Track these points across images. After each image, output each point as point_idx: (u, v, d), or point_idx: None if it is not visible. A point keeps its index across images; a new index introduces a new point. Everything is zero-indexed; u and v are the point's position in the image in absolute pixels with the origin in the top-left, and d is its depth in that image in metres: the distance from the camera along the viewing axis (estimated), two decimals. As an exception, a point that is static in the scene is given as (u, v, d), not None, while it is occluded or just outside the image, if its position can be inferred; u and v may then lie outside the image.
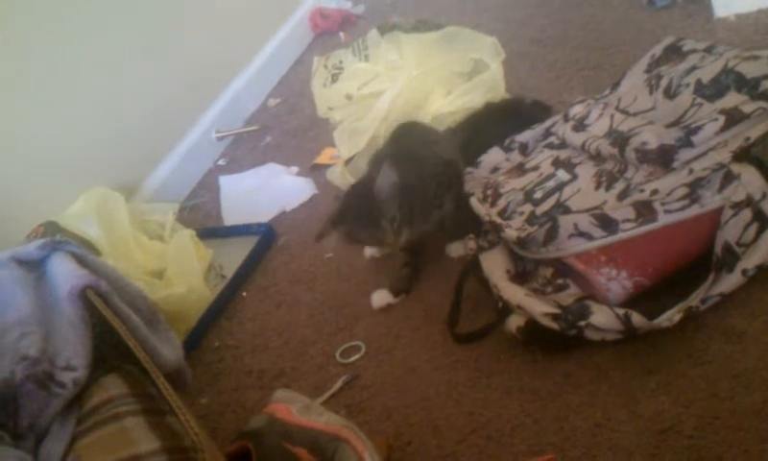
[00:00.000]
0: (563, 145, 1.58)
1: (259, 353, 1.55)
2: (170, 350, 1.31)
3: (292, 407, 1.24)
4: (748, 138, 1.29)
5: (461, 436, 1.22)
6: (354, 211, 1.50)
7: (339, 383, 1.39)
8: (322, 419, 1.19)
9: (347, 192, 1.60)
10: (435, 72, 2.03)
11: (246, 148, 2.36)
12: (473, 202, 1.51)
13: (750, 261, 1.22)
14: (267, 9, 2.77)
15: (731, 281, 1.22)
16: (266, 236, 1.85)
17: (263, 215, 1.95)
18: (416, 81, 2.01)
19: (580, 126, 1.58)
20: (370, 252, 1.67)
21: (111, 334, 1.12)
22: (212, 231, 1.95)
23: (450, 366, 1.35)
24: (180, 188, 2.21)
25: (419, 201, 1.50)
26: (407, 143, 1.62)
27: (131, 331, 1.15)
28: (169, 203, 1.97)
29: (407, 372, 1.38)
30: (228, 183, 2.19)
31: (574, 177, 1.46)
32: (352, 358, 1.44)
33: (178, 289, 1.63)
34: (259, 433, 1.21)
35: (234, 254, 1.81)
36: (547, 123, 1.68)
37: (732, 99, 1.38)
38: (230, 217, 2.05)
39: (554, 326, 1.24)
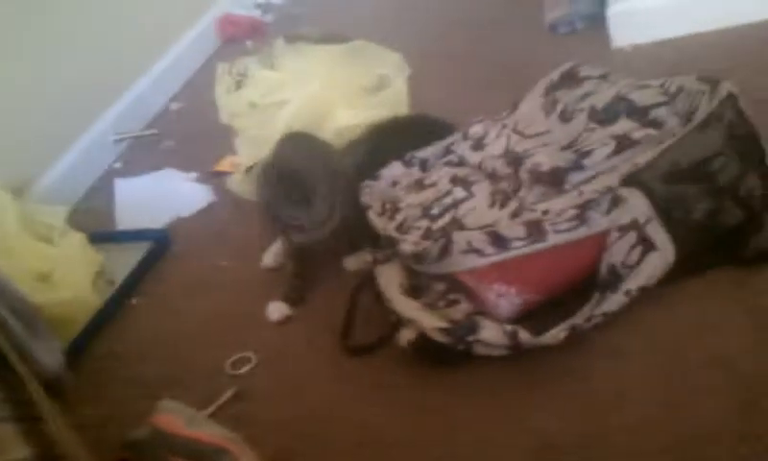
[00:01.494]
0: (461, 163, 1.61)
1: (146, 363, 1.50)
2: (50, 356, 1.27)
3: (177, 418, 1.21)
4: (636, 164, 1.34)
5: (348, 449, 1.22)
6: (283, 188, 1.48)
7: (227, 395, 1.36)
8: (207, 430, 1.17)
9: (266, 175, 1.57)
10: (340, 85, 2.04)
11: (144, 151, 2.31)
12: (371, 215, 1.51)
13: (633, 282, 1.26)
14: (173, 10, 2.72)
15: (614, 301, 1.25)
16: (159, 243, 1.81)
17: (158, 221, 1.90)
18: (321, 92, 2.01)
19: (478, 145, 1.61)
20: (267, 261, 1.65)
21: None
22: (104, 236, 1.89)
23: (342, 379, 1.35)
24: (73, 190, 2.13)
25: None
26: (294, 155, 1.59)
27: (6, 335, 1.10)
28: (61, 204, 1.90)
29: (298, 384, 1.36)
30: (123, 187, 2.12)
31: (471, 195, 1.49)
32: (243, 370, 1.41)
33: (63, 294, 1.57)
34: (142, 444, 1.18)
35: (126, 260, 1.75)
36: (447, 140, 1.70)
37: (624, 125, 1.44)
38: (124, 222, 2.00)
39: (444, 340, 1.25)
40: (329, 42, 2.20)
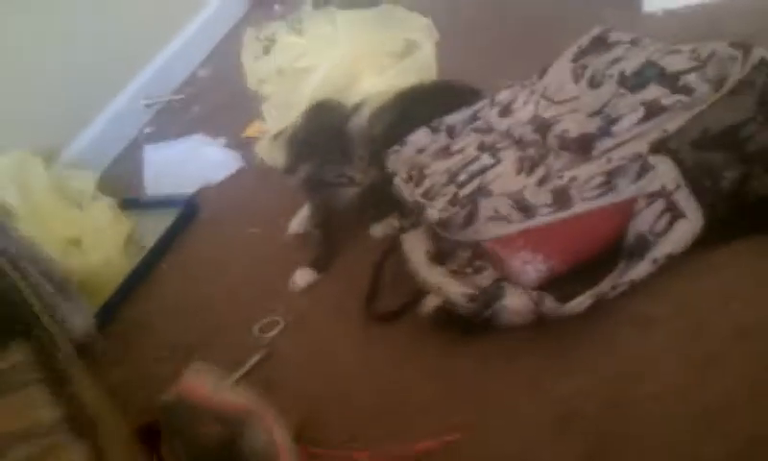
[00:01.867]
0: (488, 129, 1.59)
1: (175, 327, 1.53)
2: (81, 318, 1.29)
3: (204, 383, 1.22)
4: (665, 131, 1.32)
5: (373, 415, 1.23)
6: (322, 150, 1.52)
7: (256, 358, 1.38)
8: (233, 395, 1.18)
9: (297, 134, 1.62)
10: (368, 50, 2.02)
11: (173, 118, 2.32)
12: (398, 181, 1.51)
13: (660, 250, 1.25)
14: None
15: (641, 269, 1.24)
16: (188, 209, 1.82)
17: (187, 187, 1.92)
18: (348, 57, 2.00)
19: (506, 111, 1.59)
20: (294, 227, 1.66)
21: (21, 298, 1.10)
22: (134, 202, 1.92)
23: (368, 344, 1.36)
24: (103, 156, 2.16)
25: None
26: (325, 121, 1.62)
27: (39, 297, 1.13)
28: (91, 170, 1.93)
29: (324, 349, 1.38)
30: (152, 153, 2.14)
31: (498, 161, 1.48)
32: (270, 334, 1.43)
33: (94, 258, 1.60)
34: (170, 408, 1.19)
35: (155, 226, 1.78)
36: (475, 107, 1.68)
37: (653, 91, 1.41)
38: (153, 188, 2.01)
39: (470, 306, 1.25)
40: (357, 7, 2.18)
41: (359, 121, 1.53)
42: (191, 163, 2.04)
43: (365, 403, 1.25)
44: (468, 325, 1.28)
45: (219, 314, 1.52)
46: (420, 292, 1.33)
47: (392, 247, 1.42)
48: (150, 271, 1.69)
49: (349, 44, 2.04)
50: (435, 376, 1.26)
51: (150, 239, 1.74)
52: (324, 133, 1.55)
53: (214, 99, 2.35)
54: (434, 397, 1.23)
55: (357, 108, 1.69)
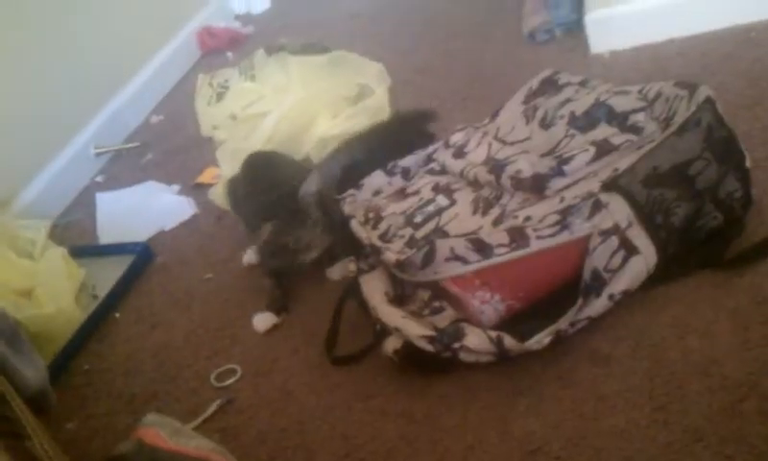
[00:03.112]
0: (443, 171, 1.61)
1: (131, 377, 1.50)
2: (33, 371, 1.26)
3: (162, 432, 1.20)
4: (616, 169, 1.35)
5: (334, 459, 1.22)
6: (277, 212, 1.50)
7: (213, 407, 1.36)
8: (192, 443, 1.16)
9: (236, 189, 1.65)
10: (321, 95, 2.04)
11: (126, 165, 2.30)
12: (354, 224, 1.51)
13: (616, 287, 1.26)
14: (152, 23, 2.72)
15: (598, 306, 1.26)
16: (142, 256, 1.80)
17: (141, 234, 1.90)
18: (302, 103, 2.02)
19: (459, 153, 1.61)
20: (248, 259, 1.66)
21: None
22: (86, 250, 1.89)
23: (327, 389, 1.35)
24: (54, 204, 2.13)
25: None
26: (272, 177, 1.63)
27: (-12, 353, 1.10)
28: (42, 219, 1.89)
29: (283, 395, 1.36)
30: (105, 201, 2.12)
31: (453, 202, 1.49)
32: (228, 382, 1.41)
33: (46, 309, 1.57)
34: (127, 458, 1.17)
35: (109, 274, 1.75)
36: (429, 149, 1.70)
37: (603, 131, 1.45)
38: (106, 236, 1.99)
39: (430, 348, 1.25)
40: (309, 53, 2.20)
41: (312, 184, 1.51)
42: (144, 210, 2.02)
43: (327, 449, 1.24)
44: (430, 365, 1.27)
45: (175, 362, 1.50)
46: (379, 334, 1.33)
47: (350, 289, 1.41)
48: (104, 320, 1.66)
49: (302, 90, 2.06)
50: (397, 418, 1.25)
51: (103, 288, 1.72)
52: (274, 191, 1.54)
53: (167, 145, 2.34)
54: (397, 439, 1.22)
55: (306, 165, 1.70)
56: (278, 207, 1.50)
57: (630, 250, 1.29)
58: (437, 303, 1.32)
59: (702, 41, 1.99)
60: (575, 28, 2.21)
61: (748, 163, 1.41)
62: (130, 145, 2.38)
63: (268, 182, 1.61)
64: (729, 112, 1.40)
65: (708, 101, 1.39)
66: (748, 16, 2.00)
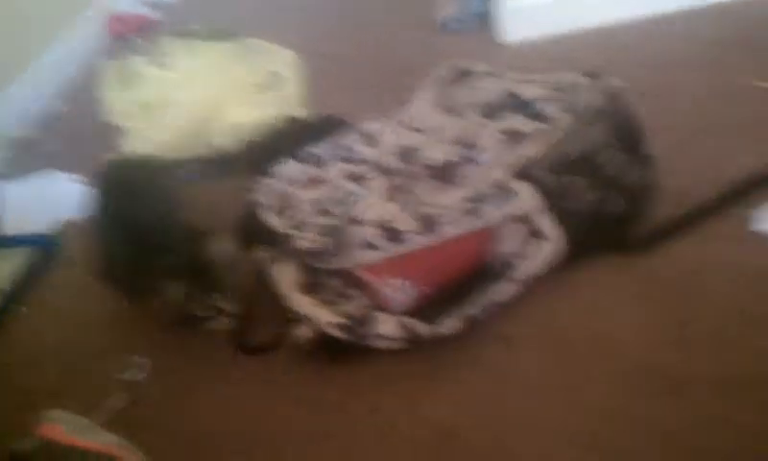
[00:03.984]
0: (356, 159, 1.61)
1: (36, 372, 1.45)
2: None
3: (65, 427, 1.17)
4: (526, 157, 1.37)
5: (245, 449, 1.21)
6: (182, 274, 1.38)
7: (119, 402, 1.32)
8: (97, 438, 1.13)
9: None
10: (231, 83, 2.01)
11: (28, 154, 2.21)
12: (266, 213, 1.49)
13: (524, 271, 1.29)
14: (56, 5, 2.61)
15: (507, 291, 1.28)
16: (48, 248, 1.74)
17: (46, 225, 1.83)
18: (211, 91, 1.98)
19: (372, 141, 1.61)
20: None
21: None
22: (-13, 242, 1.81)
23: (238, 379, 1.33)
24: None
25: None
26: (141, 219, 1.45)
27: None
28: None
29: (193, 387, 1.34)
30: (8, 191, 2.03)
31: (365, 190, 1.49)
32: (135, 376, 1.37)
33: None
34: (28, 455, 1.13)
35: (12, 268, 1.68)
36: (342, 138, 1.69)
37: (513, 120, 1.46)
38: (10, 227, 1.91)
39: (341, 335, 1.25)
40: (219, 39, 2.16)
41: (226, 244, 1.42)
42: (50, 200, 1.95)
43: (237, 439, 1.22)
44: (342, 353, 1.28)
45: (82, 357, 1.46)
46: (291, 323, 1.32)
47: (261, 279, 1.39)
48: (8, 315, 1.59)
49: (212, 76, 2.02)
50: (310, 406, 1.25)
51: (7, 281, 1.65)
52: (166, 253, 1.39)
53: (72, 134, 2.25)
54: (309, 427, 1.22)
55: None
56: (177, 269, 1.39)
57: (538, 236, 1.31)
58: (349, 291, 1.32)
59: (610, 32, 2.03)
60: (487, 17, 2.23)
61: (650, 151, 1.46)
62: (31, 133, 2.30)
63: (153, 239, 1.41)
64: (633, 102, 1.44)
65: (615, 90, 1.43)
66: (652, 8, 2.06)
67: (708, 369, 1.14)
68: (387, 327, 1.23)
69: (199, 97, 1.96)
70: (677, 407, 1.09)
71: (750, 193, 1.41)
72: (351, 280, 1.32)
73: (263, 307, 1.38)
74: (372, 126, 1.67)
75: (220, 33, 2.18)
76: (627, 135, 1.43)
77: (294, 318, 1.32)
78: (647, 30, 2.00)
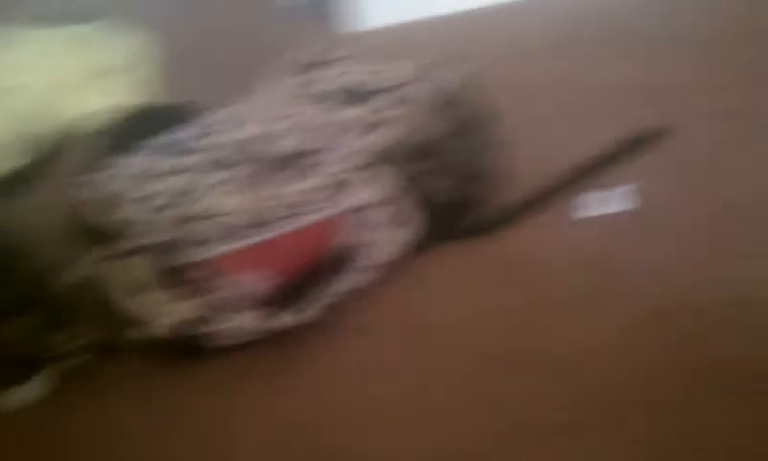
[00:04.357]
0: (212, 147, 1.58)
1: None
2: None
3: None
4: (381, 144, 1.39)
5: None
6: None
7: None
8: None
9: None
10: (82, 68, 1.93)
11: None
12: (112, 207, 1.44)
13: (379, 258, 1.32)
14: None
15: (362, 278, 1.31)
16: None
17: None
18: (59, 76, 1.90)
19: (227, 130, 1.59)
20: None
21: None
22: None
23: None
24: None
25: None
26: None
27: None
28: None
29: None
30: None
31: (221, 180, 1.46)
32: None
33: None
34: None
35: None
36: (198, 125, 1.66)
37: (370, 106, 1.48)
38: None
39: (196, 331, 1.24)
40: (70, 23, 2.07)
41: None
42: None
43: (79, 449, 1.17)
44: (197, 349, 1.26)
45: None
46: (140, 323, 1.28)
47: (96, 278, 1.34)
48: None
49: (62, 62, 1.94)
50: (158, 410, 1.21)
51: None
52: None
53: None
54: (157, 432, 1.17)
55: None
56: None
57: (396, 222, 1.34)
58: (203, 285, 1.30)
59: (456, 21, 2.09)
60: (332, 4, 2.23)
61: (500, 138, 1.52)
62: None
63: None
64: (484, 89, 1.49)
65: (467, 79, 1.48)
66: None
67: (546, 347, 1.20)
68: (242, 320, 1.23)
69: (45, 83, 1.88)
70: (519, 386, 1.14)
71: (582, 180, 1.50)
72: (206, 273, 1.30)
73: (106, 309, 1.33)
74: (226, 114, 1.64)
75: (68, 15, 2.09)
76: (477, 123, 1.48)
77: (144, 318, 1.28)
78: (502, 17, 2.06)
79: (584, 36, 1.99)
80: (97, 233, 1.42)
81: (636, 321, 1.21)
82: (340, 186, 1.34)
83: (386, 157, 1.38)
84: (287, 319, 1.23)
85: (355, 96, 1.51)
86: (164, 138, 1.61)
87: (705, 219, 1.39)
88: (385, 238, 1.34)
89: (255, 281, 1.27)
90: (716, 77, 1.82)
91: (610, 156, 1.55)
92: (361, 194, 1.33)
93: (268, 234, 1.29)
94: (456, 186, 1.42)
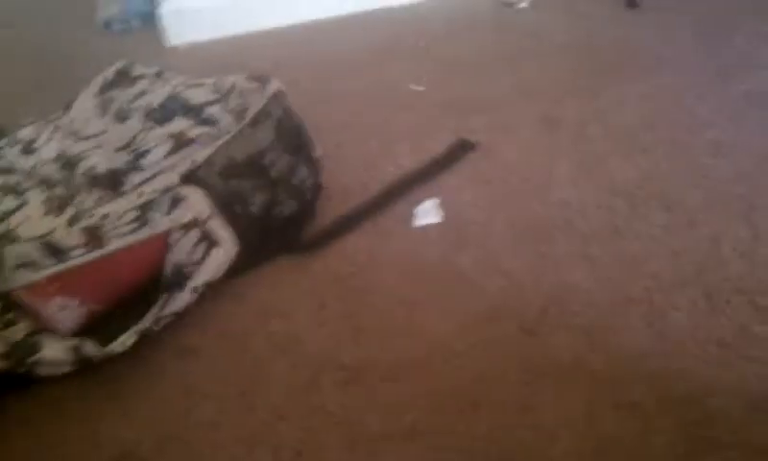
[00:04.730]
0: (10, 169, 1.48)
1: None
2: None
3: None
4: (194, 162, 1.35)
5: None
6: None
7: None
8: None
9: None
10: None
11: None
12: None
13: (199, 279, 1.28)
14: None
15: (182, 300, 1.26)
16: None
17: None
18: None
19: (29, 149, 1.49)
20: None
21: None
22: None
23: None
24: None
25: None
26: None
27: None
28: None
29: None
30: None
31: (23, 203, 1.37)
32: None
33: None
34: None
35: None
36: (-4, 147, 1.55)
37: (179, 124, 1.44)
38: None
39: (3, 365, 1.14)
40: None
41: None
42: None
43: None
44: (5, 385, 1.17)
45: None
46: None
47: None
48: None
49: None
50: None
51: None
52: None
53: None
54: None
55: None
56: None
57: (211, 241, 1.31)
58: (9, 316, 1.21)
59: (273, 36, 2.09)
60: (151, 19, 2.18)
61: (317, 153, 1.52)
62: None
63: None
64: (299, 105, 1.50)
65: (278, 93, 1.47)
66: (320, 13, 2.14)
67: (380, 356, 1.20)
68: (53, 352, 1.15)
69: None
70: (354, 395, 1.14)
71: (408, 191, 1.53)
72: (11, 304, 1.21)
73: None
74: (28, 132, 1.54)
75: None
76: (293, 137, 1.47)
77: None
78: (313, 34, 2.08)
79: (388, 52, 2.05)
80: None
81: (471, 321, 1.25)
82: (154, 206, 1.29)
83: (200, 175, 1.34)
84: (100, 349, 1.17)
85: (169, 112, 1.46)
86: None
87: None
88: (204, 258, 1.30)
89: (65, 310, 1.19)
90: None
91: (433, 165, 1.59)
92: (175, 214, 1.29)
93: (78, 260, 1.21)
94: (276, 201, 1.40)
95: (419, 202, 1.50)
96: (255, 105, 1.44)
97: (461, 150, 1.65)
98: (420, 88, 1.87)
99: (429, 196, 1.51)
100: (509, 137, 1.68)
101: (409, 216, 1.47)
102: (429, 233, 1.44)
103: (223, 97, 1.47)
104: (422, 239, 1.43)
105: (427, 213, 1.48)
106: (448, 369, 1.17)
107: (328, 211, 1.47)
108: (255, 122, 1.40)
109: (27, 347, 1.16)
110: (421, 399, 1.12)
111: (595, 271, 1.31)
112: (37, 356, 1.15)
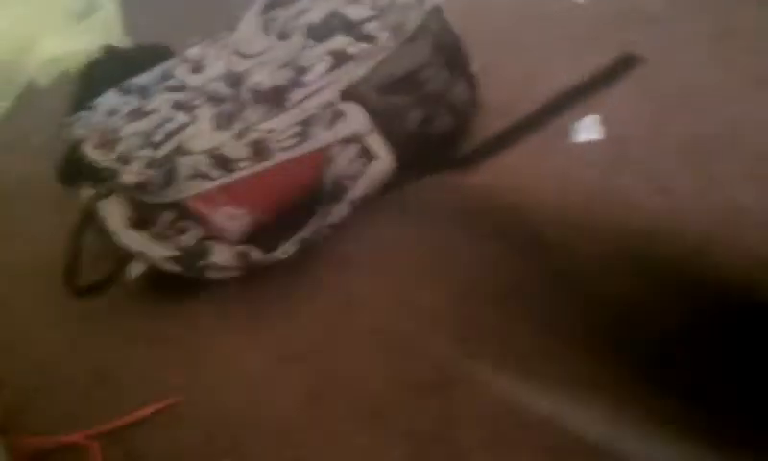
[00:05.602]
0: (181, 87, 1.55)
1: None
2: None
3: None
4: (353, 78, 1.37)
5: (85, 392, 1.17)
6: None
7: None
8: None
9: None
10: (44, 10, 1.88)
11: None
12: (87, 148, 1.42)
13: (356, 192, 1.31)
14: None
15: (339, 212, 1.30)
16: None
17: None
18: (21, 19, 1.85)
19: (198, 68, 1.56)
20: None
21: None
22: None
23: (72, 323, 1.28)
24: None
25: None
26: None
27: None
28: None
29: (18, 334, 1.28)
30: None
31: (193, 119, 1.44)
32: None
33: None
34: None
35: None
36: (166, 65, 1.63)
37: (339, 41, 1.46)
38: None
39: (175, 268, 1.23)
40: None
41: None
42: None
43: (74, 383, 1.19)
44: (178, 287, 1.26)
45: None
46: (123, 260, 1.28)
47: (87, 217, 1.33)
48: None
49: (21, 3, 1.89)
50: (148, 344, 1.22)
51: None
52: None
53: None
54: (149, 364, 1.19)
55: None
56: None
57: (368, 156, 1.33)
58: (181, 223, 1.29)
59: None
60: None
61: (475, 68, 1.50)
62: None
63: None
64: (456, 20, 1.47)
65: (436, 8, 1.45)
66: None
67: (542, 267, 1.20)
68: (222, 257, 1.22)
69: (7, 25, 1.83)
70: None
71: (568, 106, 1.49)
72: (183, 212, 1.29)
73: (93, 247, 1.33)
74: (197, 51, 1.61)
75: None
76: (450, 52, 1.46)
77: (126, 255, 1.28)
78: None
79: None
80: (83, 170, 1.40)
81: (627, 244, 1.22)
82: (310, 123, 1.32)
83: (359, 91, 1.36)
84: (265, 255, 1.23)
85: (328, 30, 1.48)
86: (140, 78, 1.58)
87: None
88: (361, 172, 1.33)
89: (233, 219, 1.26)
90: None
91: (593, 81, 1.54)
92: (336, 129, 1.32)
93: (245, 172, 1.27)
94: (432, 118, 1.40)
95: (578, 118, 1.46)
96: (413, 20, 1.44)
97: (623, 65, 1.58)
98: (581, 0, 1.80)
99: (589, 112, 1.47)
100: (675, 50, 1.59)
101: (568, 133, 1.44)
102: (589, 150, 1.40)
103: (381, 13, 1.47)
104: (581, 156, 1.39)
105: (587, 130, 1.44)
106: (604, 284, 1.15)
107: (484, 129, 1.46)
108: (413, 38, 1.40)
109: (198, 252, 1.23)
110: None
111: None
112: (208, 260, 1.22)
